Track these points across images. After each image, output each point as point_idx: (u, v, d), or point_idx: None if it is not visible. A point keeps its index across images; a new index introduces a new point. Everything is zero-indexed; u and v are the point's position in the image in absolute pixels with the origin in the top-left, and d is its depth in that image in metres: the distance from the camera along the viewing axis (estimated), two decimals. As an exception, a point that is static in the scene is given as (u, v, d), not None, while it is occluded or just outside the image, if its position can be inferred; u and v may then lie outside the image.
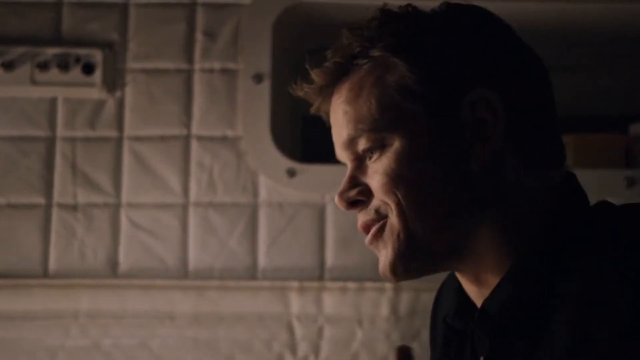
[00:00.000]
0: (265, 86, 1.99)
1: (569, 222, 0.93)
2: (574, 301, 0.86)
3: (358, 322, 1.94)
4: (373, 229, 0.97)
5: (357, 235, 1.98)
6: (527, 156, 0.96)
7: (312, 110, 1.03)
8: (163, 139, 2.00)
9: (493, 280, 0.95)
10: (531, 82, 0.99)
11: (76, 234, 1.98)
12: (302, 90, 1.02)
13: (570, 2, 2.06)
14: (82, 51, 2.00)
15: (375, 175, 0.96)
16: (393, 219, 0.95)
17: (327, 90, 1.00)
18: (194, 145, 2.00)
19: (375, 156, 0.96)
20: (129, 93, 2.02)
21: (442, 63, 0.95)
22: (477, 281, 0.97)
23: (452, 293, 1.05)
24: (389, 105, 0.95)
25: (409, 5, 0.99)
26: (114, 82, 2.01)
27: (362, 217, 0.99)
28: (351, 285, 1.93)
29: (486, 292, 0.96)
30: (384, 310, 1.93)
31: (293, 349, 1.94)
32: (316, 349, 1.94)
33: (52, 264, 1.97)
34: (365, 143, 0.96)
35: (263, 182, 1.99)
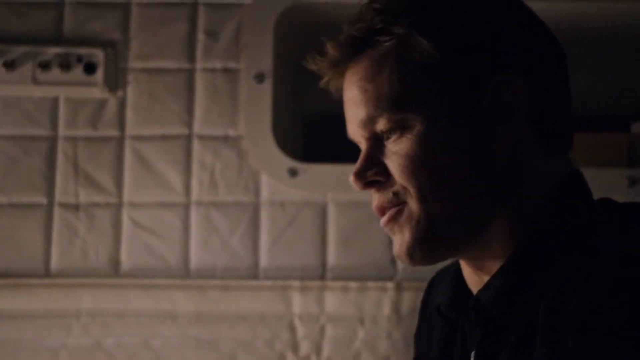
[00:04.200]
0: (267, 86, 1.99)
1: (570, 216, 0.92)
2: (560, 299, 0.84)
3: (360, 321, 1.94)
4: (391, 211, 0.94)
5: (359, 235, 1.99)
6: (547, 142, 0.94)
7: (322, 83, 0.99)
8: (165, 138, 2.01)
9: (495, 268, 0.93)
10: (553, 66, 0.97)
11: (78, 233, 1.98)
12: (314, 64, 0.97)
13: (570, 2, 2.06)
14: (83, 50, 2.00)
15: (395, 157, 0.93)
16: (413, 205, 0.93)
17: (342, 65, 0.96)
18: (196, 144, 2.00)
19: (394, 137, 0.93)
20: (131, 92, 2.02)
21: (468, 45, 0.92)
22: (480, 268, 0.95)
23: (445, 285, 1.03)
24: (413, 85, 0.92)
25: None
26: (115, 81, 2.01)
27: (379, 198, 0.95)
28: (353, 284, 1.93)
29: (484, 277, 0.94)
30: (386, 309, 1.93)
31: (295, 348, 1.94)
32: (318, 348, 1.94)
33: (54, 263, 1.97)
34: (386, 123, 0.93)
35: (265, 182, 1.99)
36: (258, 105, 1.99)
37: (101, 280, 1.96)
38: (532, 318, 0.87)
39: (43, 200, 1.99)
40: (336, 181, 1.93)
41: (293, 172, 1.97)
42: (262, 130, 1.98)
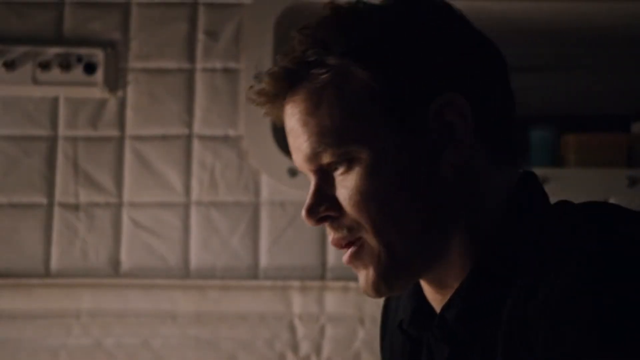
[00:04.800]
0: (267, 85, 1.99)
1: (523, 225, 0.90)
2: (517, 307, 0.83)
3: (360, 321, 1.94)
4: (351, 250, 0.92)
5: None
6: (495, 154, 0.93)
7: (263, 115, 0.96)
8: (165, 138, 2.01)
9: (456, 284, 0.91)
10: (494, 78, 0.95)
11: (78, 234, 1.98)
12: (252, 98, 0.95)
13: (570, 2, 2.06)
14: (83, 51, 2.00)
15: (345, 191, 0.91)
16: (370, 239, 0.91)
17: (279, 98, 0.93)
18: (196, 144, 2.00)
19: (341, 169, 0.91)
20: (131, 92, 2.02)
21: (405, 70, 0.90)
22: (442, 286, 0.94)
23: (405, 300, 1.02)
24: (354, 117, 0.89)
25: (358, 1, 0.93)
26: (115, 81, 2.02)
27: (334, 233, 0.93)
28: (353, 284, 1.93)
29: (445, 294, 0.93)
30: (386, 309, 1.93)
31: (295, 348, 1.94)
32: (318, 348, 1.94)
33: (54, 264, 1.97)
34: (331, 157, 0.91)
35: (265, 182, 1.99)
36: (258, 105, 1.99)
37: (101, 280, 1.96)
38: (495, 330, 0.86)
39: (43, 200, 1.99)
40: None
41: (293, 172, 1.97)
42: (262, 130, 1.98)
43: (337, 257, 1.96)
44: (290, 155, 2.08)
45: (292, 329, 1.94)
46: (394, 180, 0.90)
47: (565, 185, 1.97)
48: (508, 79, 0.96)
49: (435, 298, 0.96)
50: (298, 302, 1.94)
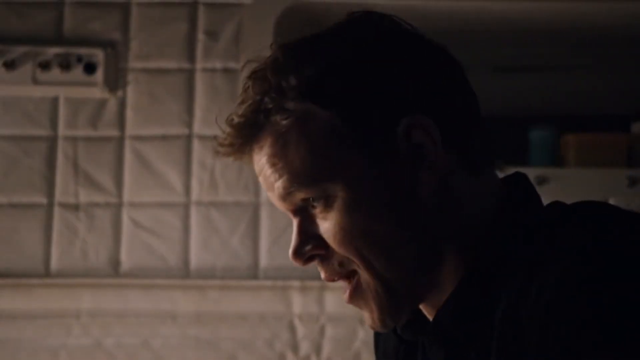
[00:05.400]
0: (267, 85, 1.99)
1: (515, 227, 0.89)
2: (510, 309, 0.83)
3: (360, 321, 1.94)
4: (349, 291, 0.92)
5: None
6: (470, 163, 0.92)
7: (231, 161, 0.95)
8: (165, 138, 2.01)
9: (446, 295, 0.91)
10: (453, 86, 0.93)
11: (78, 234, 1.98)
12: (217, 150, 0.93)
13: (570, 2, 2.06)
14: (83, 50, 2.00)
15: (328, 228, 0.89)
16: (364, 275, 0.90)
17: (245, 148, 0.92)
18: (196, 144, 2.00)
19: (319, 207, 0.90)
20: (131, 92, 2.02)
21: (364, 99, 0.88)
22: (435, 299, 0.93)
23: None
24: (322, 155, 0.88)
25: (305, 37, 0.92)
26: (115, 81, 2.02)
27: (325, 271, 0.93)
28: (353, 284, 1.93)
29: (437, 305, 0.92)
30: (386, 309, 1.93)
31: (295, 348, 1.94)
32: (318, 348, 1.94)
33: (54, 263, 1.97)
34: (305, 195, 0.89)
35: (265, 182, 1.99)
36: (258, 105, 1.99)
37: (101, 280, 1.96)
38: (490, 331, 0.86)
39: (43, 200, 1.99)
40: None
41: (293, 172, 1.97)
42: (262, 130, 1.98)
43: (337, 257, 1.96)
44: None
45: (292, 329, 1.94)
46: (375, 211, 0.89)
47: (565, 185, 1.97)
48: (467, 80, 0.94)
49: (430, 312, 0.95)
50: (298, 302, 1.94)
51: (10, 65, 1.98)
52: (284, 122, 0.89)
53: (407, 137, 0.89)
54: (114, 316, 1.95)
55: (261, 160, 0.91)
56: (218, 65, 2.02)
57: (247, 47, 2.01)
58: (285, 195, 0.91)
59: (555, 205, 0.92)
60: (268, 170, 0.91)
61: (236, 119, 0.91)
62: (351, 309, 1.97)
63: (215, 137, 0.93)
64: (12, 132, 2.01)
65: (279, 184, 0.90)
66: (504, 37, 2.20)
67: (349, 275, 0.92)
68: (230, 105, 2.12)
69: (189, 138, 2.01)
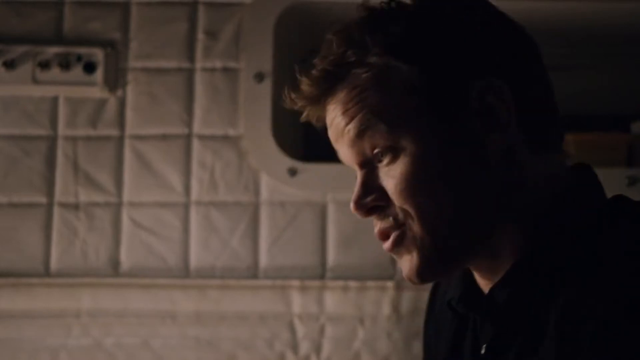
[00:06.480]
0: (267, 85, 1.99)
1: (580, 214, 0.91)
2: (569, 303, 0.84)
3: (360, 320, 1.94)
4: (393, 235, 0.94)
5: (359, 235, 1.99)
6: (537, 142, 0.94)
7: (302, 118, 0.99)
8: (164, 137, 2.01)
9: (505, 268, 0.93)
10: (531, 62, 0.97)
11: (78, 233, 1.98)
12: (292, 102, 0.97)
13: (570, 2, 2.05)
14: (83, 50, 2.00)
15: (392, 180, 0.92)
16: (415, 226, 0.92)
17: (321, 100, 0.96)
18: (196, 144, 2.00)
19: (386, 159, 0.93)
20: (131, 92, 2.02)
21: (443, 58, 0.92)
22: (489, 272, 0.95)
23: (456, 280, 1.03)
24: (397, 108, 0.92)
25: (391, 0, 0.95)
26: (115, 81, 2.02)
27: (380, 224, 0.95)
28: (353, 284, 1.93)
29: (496, 280, 0.94)
30: (386, 309, 1.93)
31: (295, 348, 1.94)
32: (318, 348, 1.94)
33: (54, 263, 1.97)
34: (376, 148, 0.92)
35: (264, 181, 1.99)
36: (258, 104, 1.99)
37: (101, 279, 1.96)
38: (542, 319, 0.87)
39: (43, 199, 1.99)
40: (336, 181, 1.93)
41: (293, 172, 1.97)
42: (262, 129, 1.98)
43: (337, 256, 1.96)
44: (289, 154, 2.08)
45: (291, 329, 1.94)
46: (439, 167, 0.91)
47: (565, 185, 1.97)
48: (544, 69, 0.97)
49: (485, 284, 0.97)
50: (298, 302, 1.94)
51: (9, 64, 1.98)
52: (364, 75, 0.92)
53: (481, 99, 0.91)
54: (114, 316, 1.95)
55: (337, 115, 0.94)
56: (218, 64, 2.02)
57: (247, 46, 2.01)
58: (356, 139, 0.93)
59: (619, 200, 0.93)
60: (340, 117, 0.93)
61: (316, 72, 0.94)
62: (351, 309, 1.98)
63: (288, 89, 0.95)
64: (12, 132, 2.01)
65: (350, 126, 0.93)
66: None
67: (399, 228, 0.94)
68: (231, 104, 2.13)
69: (188, 138, 2.01)
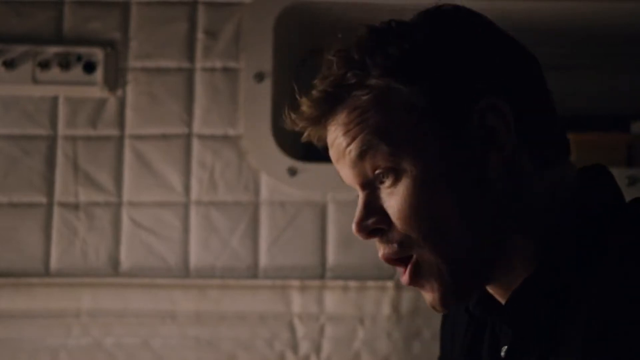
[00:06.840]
0: (267, 85, 1.99)
1: (595, 220, 0.90)
2: (591, 310, 0.84)
3: (360, 320, 1.94)
4: (409, 271, 0.93)
5: (359, 234, 1.98)
6: (539, 156, 0.94)
7: (303, 139, 0.98)
8: (164, 137, 2.01)
9: (519, 281, 0.92)
10: (531, 79, 0.96)
11: (78, 233, 1.98)
12: (293, 123, 0.96)
13: (570, 2, 2.05)
14: (83, 50, 2.00)
15: (394, 204, 0.91)
16: (426, 254, 0.92)
17: (322, 121, 0.95)
18: (195, 144, 2.00)
19: (388, 181, 0.92)
20: (130, 92, 2.02)
21: (444, 79, 0.91)
22: (506, 284, 0.95)
23: None
24: (398, 127, 0.91)
25: (391, 20, 0.95)
26: (115, 80, 2.02)
27: (384, 249, 0.94)
28: (352, 284, 1.93)
29: (510, 290, 0.93)
30: (386, 309, 1.93)
31: (294, 348, 1.94)
32: (317, 348, 1.94)
33: (54, 263, 1.97)
34: (377, 170, 0.92)
35: (264, 181, 1.99)
36: (258, 104, 1.99)
37: (101, 279, 1.96)
38: (559, 331, 0.87)
39: (43, 199, 1.99)
40: (336, 181, 1.92)
41: (293, 172, 1.97)
42: (261, 129, 1.98)
43: (337, 256, 1.96)
44: (289, 154, 2.08)
45: (291, 329, 1.94)
46: (443, 191, 0.90)
47: (565, 185, 1.97)
48: (544, 79, 0.97)
49: (501, 296, 0.96)
50: (298, 302, 1.94)
51: (9, 64, 1.98)
52: (365, 97, 0.91)
53: (482, 118, 0.91)
54: (114, 316, 1.95)
55: (336, 130, 0.93)
56: (218, 64, 2.02)
57: (247, 46, 2.01)
58: (357, 160, 0.92)
59: (637, 203, 0.93)
60: (341, 137, 0.93)
61: (316, 92, 0.93)
62: (351, 309, 1.98)
63: (289, 110, 0.95)
64: (12, 132, 2.01)
65: (352, 147, 0.92)
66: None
67: (406, 260, 0.93)
68: (230, 104, 2.13)
69: (188, 137, 2.01)
